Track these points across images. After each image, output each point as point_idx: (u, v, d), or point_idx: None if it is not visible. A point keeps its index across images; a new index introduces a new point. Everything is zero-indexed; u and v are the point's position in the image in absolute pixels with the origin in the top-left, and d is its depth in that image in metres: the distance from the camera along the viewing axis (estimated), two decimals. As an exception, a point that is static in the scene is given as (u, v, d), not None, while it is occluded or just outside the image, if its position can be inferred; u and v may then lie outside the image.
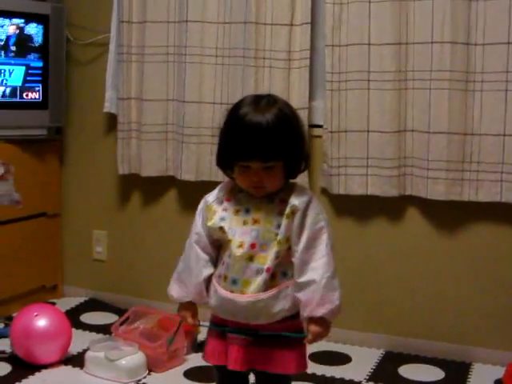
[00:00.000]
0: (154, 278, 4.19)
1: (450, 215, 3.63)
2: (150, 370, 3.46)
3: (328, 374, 3.46)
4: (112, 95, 4.11)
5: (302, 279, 2.27)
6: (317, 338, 2.30)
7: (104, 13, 4.12)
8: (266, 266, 2.28)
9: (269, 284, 2.29)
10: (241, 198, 2.36)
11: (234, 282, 2.31)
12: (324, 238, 2.30)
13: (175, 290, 2.45)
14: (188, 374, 3.46)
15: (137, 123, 4.03)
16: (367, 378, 3.47)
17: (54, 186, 4.35)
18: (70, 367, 3.50)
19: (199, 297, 2.40)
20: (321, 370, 3.49)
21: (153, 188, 4.16)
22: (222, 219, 2.35)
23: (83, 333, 3.90)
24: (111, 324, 3.82)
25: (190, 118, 3.90)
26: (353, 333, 3.82)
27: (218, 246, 2.40)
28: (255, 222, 2.32)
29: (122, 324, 3.66)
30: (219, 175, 3.85)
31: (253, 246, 2.30)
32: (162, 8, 3.93)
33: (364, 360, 3.68)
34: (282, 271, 2.31)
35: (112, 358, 3.37)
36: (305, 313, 2.28)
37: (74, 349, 3.63)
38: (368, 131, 3.62)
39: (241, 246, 2.31)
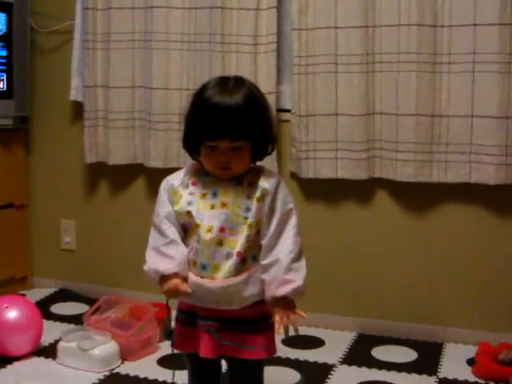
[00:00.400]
0: (124, 267, 4.18)
1: (419, 197, 3.65)
2: (123, 359, 3.44)
3: (301, 358, 3.47)
4: (78, 83, 4.07)
5: (267, 261, 2.27)
6: (283, 320, 2.26)
7: (68, 0, 4.07)
8: (236, 251, 2.27)
9: (239, 268, 2.28)
10: (207, 182, 2.34)
11: (204, 267, 2.29)
12: (292, 221, 2.31)
13: (161, 264, 2.33)
14: (161, 361, 3.45)
15: (103, 111, 3.99)
16: (341, 360, 3.48)
17: (21, 176, 4.30)
18: (42, 358, 3.46)
19: (185, 268, 2.31)
20: (294, 353, 3.50)
21: (121, 176, 4.13)
22: (189, 203, 2.32)
23: (54, 323, 3.85)
24: (82, 314, 3.79)
25: (157, 105, 3.87)
26: (325, 316, 3.83)
27: (183, 230, 2.36)
28: (223, 205, 2.29)
29: (93, 313, 3.62)
30: (188, 161, 3.85)
31: (222, 229, 2.27)
32: (127, -6, 3.90)
33: (337, 343, 3.69)
34: (252, 255, 2.30)
35: (85, 347, 3.34)
36: (268, 292, 2.27)
37: (46, 340, 3.59)
38: (336, 114, 3.62)
39: (210, 230, 2.28)
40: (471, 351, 3.52)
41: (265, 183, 2.29)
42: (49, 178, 4.33)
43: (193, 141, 2.33)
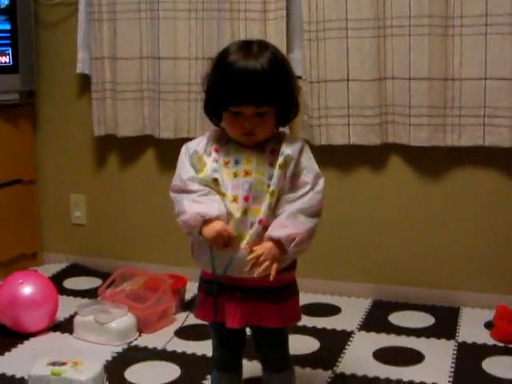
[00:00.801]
0: (136, 240, 4.16)
1: (433, 161, 3.63)
2: (141, 332, 3.43)
3: (319, 326, 3.46)
4: (84, 55, 4.01)
5: (281, 210, 2.26)
6: (264, 254, 2.21)
7: (71, -28, 4.02)
8: (258, 219, 2.25)
9: (262, 236, 2.25)
10: (229, 149, 2.31)
11: None
12: (320, 185, 2.31)
13: (201, 208, 2.23)
14: (179, 332, 3.41)
15: (111, 83, 3.94)
16: (358, 327, 3.47)
17: (28, 151, 4.25)
18: (58, 333, 3.45)
19: (225, 215, 2.25)
20: (311, 321, 3.49)
21: (130, 148, 4.09)
22: (215, 170, 2.29)
23: (68, 298, 3.83)
24: (96, 288, 3.79)
25: (165, 75, 3.82)
26: (340, 283, 3.82)
27: None
28: (246, 173, 2.27)
29: (108, 287, 3.61)
30: (198, 131, 3.84)
31: (246, 198, 2.25)
32: (132, -36, 3.85)
33: (353, 310, 3.69)
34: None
35: (102, 321, 3.32)
36: (267, 232, 2.24)
37: (61, 315, 3.57)
38: (348, 80, 3.58)
39: (234, 200, 2.26)
40: (488, 315, 3.52)
41: (288, 149, 2.27)
42: (57, 153, 4.29)
43: (215, 106, 2.29)
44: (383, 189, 3.72)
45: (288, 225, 2.23)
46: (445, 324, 3.52)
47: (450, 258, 3.67)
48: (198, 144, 2.35)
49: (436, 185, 3.64)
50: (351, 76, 3.57)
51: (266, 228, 2.25)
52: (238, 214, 2.25)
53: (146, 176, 4.09)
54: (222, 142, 2.34)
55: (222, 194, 2.27)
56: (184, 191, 2.29)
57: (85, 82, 4.08)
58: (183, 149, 2.37)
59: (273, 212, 2.26)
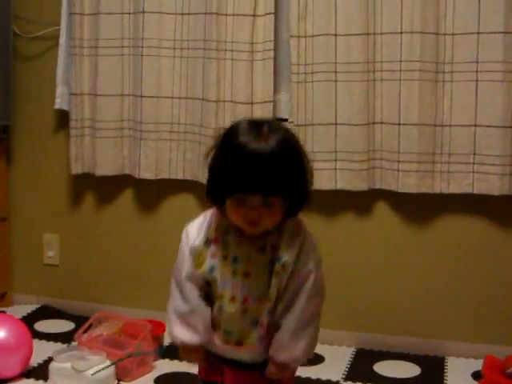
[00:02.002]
0: (111, 283, 4.04)
1: (421, 208, 3.57)
2: (119, 380, 3.30)
3: (303, 375, 3.35)
4: (63, 91, 3.90)
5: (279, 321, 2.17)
6: (274, 376, 2.21)
7: (52, 4, 3.90)
8: (260, 319, 2.15)
9: (263, 336, 2.17)
10: (228, 241, 2.17)
11: (227, 333, 2.19)
12: (309, 283, 2.16)
13: (185, 335, 2.21)
14: (158, 381, 3.33)
15: (90, 120, 3.83)
16: (344, 377, 3.39)
17: (2, 188, 4.10)
18: (32, 380, 3.30)
19: (207, 336, 2.21)
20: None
21: (108, 188, 3.97)
22: (212, 268, 2.16)
23: (40, 342, 3.67)
24: (69, 332, 3.69)
25: (147, 114, 3.73)
26: (322, 331, 3.71)
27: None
28: (246, 275, 2.15)
29: (85, 331, 3.48)
30: (179, 172, 3.76)
31: (245, 300, 2.15)
32: (116, -2, 3.77)
33: (337, 358, 3.59)
34: (273, 322, 2.17)
35: (80, 368, 3.18)
36: (270, 350, 2.18)
37: (35, 360, 3.42)
38: (336, 124, 3.52)
39: (233, 299, 2.16)
40: (474, 364, 3.47)
41: (285, 254, 2.12)
42: (31, 191, 4.15)
43: (219, 190, 2.11)
44: (369, 235, 3.66)
45: (288, 347, 2.15)
46: (431, 374, 3.45)
47: (435, 307, 3.61)
48: (198, 234, 2.19)
49: (423, 232, 3.59)
50: (339, 120, 3.51)
51: (266, 328, 2.17)
52: (237, 314, 2.16)
53: (123, 216, 3.98)
54: (222, 229, 2.18)
55: (219, 296, 2.17)
56: (181, 290, 2.21)
57: (63, 118, 3.96)
58: (184, 236, 2.22)
59: (273, 314, 2.17)
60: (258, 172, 2.01)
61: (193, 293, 2.19)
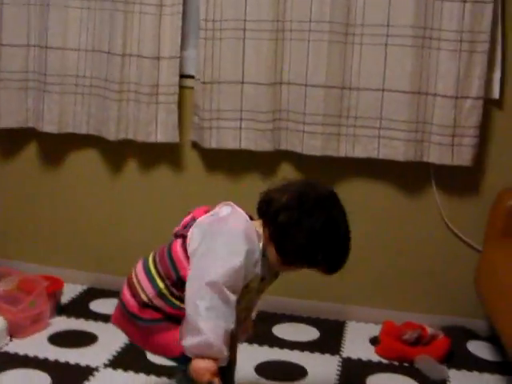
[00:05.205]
0: (10, 237, 3.95)
1: (325, 171, 3.54)
2: (12, 336, 3.23)
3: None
4: (-34, 40, 3.78)
5: None
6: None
7: None
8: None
9: None
10: (264, 264, 2.31)
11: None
12: None
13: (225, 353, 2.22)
14: (52, 338, 3.28)
15: (-5, 70, 3.73)
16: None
17: None
18: None
19: None
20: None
21: (11, 141, 3.87)
22: (251, 290, 2.33)
23: None
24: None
25: (52, 66, 3.64)
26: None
27: None
28: (260, 292, 2.43)
29: (-20, 287, 3.41)
30: (84, 127, 3.68)
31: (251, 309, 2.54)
32: None
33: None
34: None
35: (-31, 324, 3.13)
36: None
37: None
38: (242, 83, 3.47)
39: (247, 309, 2.44)
40: (373, 329, 3.48)
41: None
42: None
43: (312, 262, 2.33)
44: (273, 197, 3.61)
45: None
46: (330, 338, 3.45)
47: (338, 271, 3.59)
48: (257, 260, 2.27)
49: (327, 195, 3.56)
50: (246, 79, 3.46)
51: None
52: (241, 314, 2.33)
53: (25, 170, 3.89)
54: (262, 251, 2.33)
55: (238, 302, 2.25)
56: (232, 305, 2.20)
57: (-35, 68, 3.83)
58: (244, 257, 2.21)
59: None
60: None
61: (234, 312, 2.23)
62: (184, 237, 2.34)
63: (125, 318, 2.40)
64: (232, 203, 2.39)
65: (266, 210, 2.32)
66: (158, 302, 2.32)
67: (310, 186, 2.36)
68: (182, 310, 2.23)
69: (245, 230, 2.25)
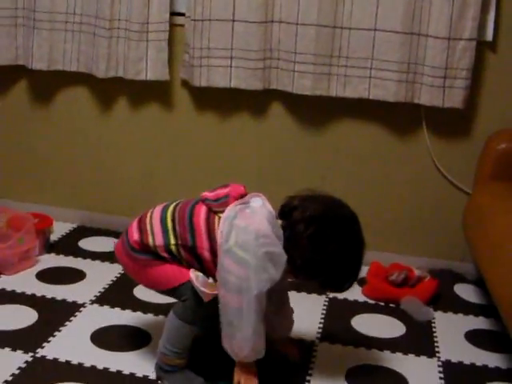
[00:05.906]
0: (1, 175, 3.94)
1: (315, 111, 3.53)
2: (0, 273, 3.25)
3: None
4: (-47, -26, 3.73)
5: None
6: None
7: None
8: None
9: None
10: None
11: None
12: None
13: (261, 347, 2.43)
14: (40, 275, 3.29)
15: (-17, 7, 3.68)
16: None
17: None
18: None
19: None
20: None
21: (1, 78, 3.83)
22: None
23: None
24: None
25: (42, 2, 3.58)
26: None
27: None
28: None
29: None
30: (73, 64, 3.65)
31: None
32: None
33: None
34: None
35: (-44, 260, 3.14)
36: None
37: None
38: (233, 20, 3.42)
39: None
40: (361, 271, 3.47)
41: None
42: None
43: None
44: (262, 136, 3.61)
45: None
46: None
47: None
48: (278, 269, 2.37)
49: (317, 135, 3.55)
50: (237, 16, 3.42)
51: None
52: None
53: (15, 108, 3.87)
54: None
55: None
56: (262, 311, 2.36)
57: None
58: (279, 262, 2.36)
59: None
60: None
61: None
62: (211, 210, 2.39)
63: (124, 250, 2.47)
64: (262, 195, 2.45)
65: (288, 215, 2.40)
66: (160, 251, 2.38)
67: (335, 204, 2.44)
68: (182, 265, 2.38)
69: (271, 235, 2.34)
